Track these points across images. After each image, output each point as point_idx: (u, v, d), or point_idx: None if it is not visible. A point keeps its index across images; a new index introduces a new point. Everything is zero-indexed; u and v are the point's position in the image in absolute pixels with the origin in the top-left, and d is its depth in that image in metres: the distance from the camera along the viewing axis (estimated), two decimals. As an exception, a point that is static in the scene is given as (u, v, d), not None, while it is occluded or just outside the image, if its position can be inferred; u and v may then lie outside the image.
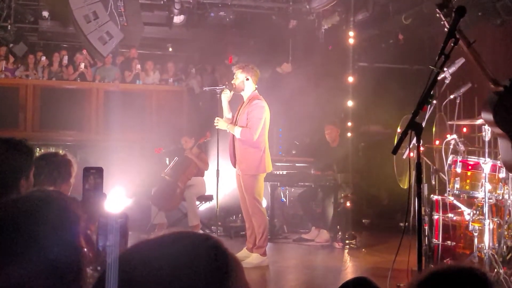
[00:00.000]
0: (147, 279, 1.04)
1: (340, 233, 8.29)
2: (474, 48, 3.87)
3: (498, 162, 5.41)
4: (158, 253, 1.08)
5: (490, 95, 4.07)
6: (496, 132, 4.14)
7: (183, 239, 1.12)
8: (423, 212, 5.54)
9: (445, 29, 3.81)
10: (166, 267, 1.04)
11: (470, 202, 5.78)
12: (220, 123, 6.87)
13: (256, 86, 6.97)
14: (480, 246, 5.40)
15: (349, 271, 6.90)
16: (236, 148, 6.91)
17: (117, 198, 8.21)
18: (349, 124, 9.47)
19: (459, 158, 5.75)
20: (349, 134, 9.33)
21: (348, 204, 8.41)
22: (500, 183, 5.52)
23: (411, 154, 5.57)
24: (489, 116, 4.00)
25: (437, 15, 3.88)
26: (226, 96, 6.94)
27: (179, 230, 1.17)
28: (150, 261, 1.06)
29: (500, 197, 5.53)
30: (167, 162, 10.54)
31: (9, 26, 11.44)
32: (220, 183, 7.05)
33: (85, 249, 1.76)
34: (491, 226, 5.41)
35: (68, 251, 1.55)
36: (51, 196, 1.67)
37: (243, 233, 7.67)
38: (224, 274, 1.08)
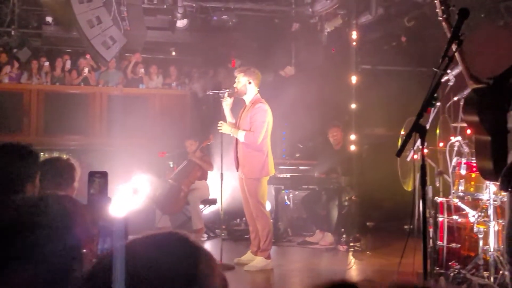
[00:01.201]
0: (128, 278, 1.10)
1: (344, 236, 8.28)
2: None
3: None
4: (133, 254, 1.14)
5: (469, 94, 4.04)
6: (475, 131, 4.09)
7: (153, 238, 1.19)
8: (427, 215, 5.53)
9: (439, 18, 3.81)
10: (143, 264, 1.11)
11: (475, 204, 5.76)
12: (224, 127, 6.88)
13: (258, 89, 6.98)
14: (485, 248, 5.39)
15: (354, 274, 6.89)
16: (239, 151, 6.91)
17: (126, 196, 8.25)
18: (353, 126, 9.46)
19: (464, 160, 5.73)
20: (352, 137, 9.32)
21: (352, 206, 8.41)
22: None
23: (415, 157, 5.58)
24: (473, 117, 3.96)
25: (437, 9, 3.87)
26: (227, 103, 6.94)
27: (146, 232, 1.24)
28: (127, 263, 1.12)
29: (505, 199, 5.50)
30: (171, 165, 10.55)
31: (13, 31, 11.48)
32: (224, 186, 7.04)
33: (87, 252, 1.76)
34: (496, 228, 5.39)
35: (67, 253, 1.56)
36: (49, 199, 1.68)
37: (247, 236, 7.67)
38: (195, 259, 1.15)
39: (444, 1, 3.84)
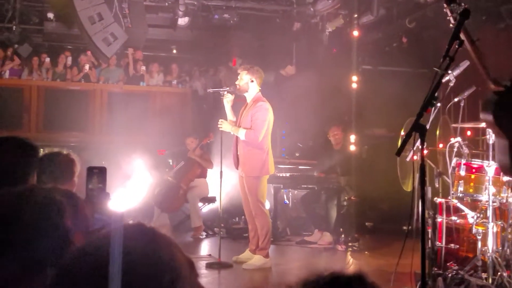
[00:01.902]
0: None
1: (343, 236, 8.27)
2: (477, 46, 3.83)
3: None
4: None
5: (490, 95, 4.03)
6: (494, 132, 4.09)
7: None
8: (426, 215, 5.52)
9: (450, 25, 3.80)
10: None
11: (474, 205, 5.75)
12: (224, 125, 6.88)
13: (260, 88, 6.98)
14: (483, 249, 5.38)
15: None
16: (240, 149, 6.91)
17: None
18: (353, 126, 9.45)
19: (463, 161, 5.73)
20: (352, 137, 9.31)
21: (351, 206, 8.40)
22: (504, 186, 5.50)
23: (415, 157, 5.57)
24: (489, 116, 3.96)
25: (444, 9, 3.86)
26: (228, 100, 6.95)
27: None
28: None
29: (504, 200, 5.50)
30: (170, 163, 10.55)
31: (14, 27, 11.46)
32: (224, 184, 7.04)
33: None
34: (495, 229, 5.39)
35: (55, 247, 1.55)
36: (28, 192, 1.66)
37: (246, 235, 7.67)
38: (155, 244, 1.15)
39: (454, 10, 3.82)
